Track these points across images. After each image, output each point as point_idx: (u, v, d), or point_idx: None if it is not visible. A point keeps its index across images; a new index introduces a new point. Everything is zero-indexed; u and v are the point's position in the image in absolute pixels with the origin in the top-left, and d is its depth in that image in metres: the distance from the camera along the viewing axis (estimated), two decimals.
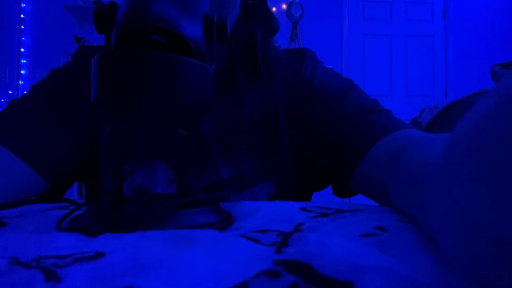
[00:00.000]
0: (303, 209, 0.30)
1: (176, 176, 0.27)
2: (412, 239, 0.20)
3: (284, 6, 3.18)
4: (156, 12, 0.26)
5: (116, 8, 0.29)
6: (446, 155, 0.14)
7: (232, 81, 0.50)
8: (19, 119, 0.46)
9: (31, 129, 0.45)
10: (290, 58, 0.53)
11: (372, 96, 0.50)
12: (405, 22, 3.34)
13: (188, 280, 0.15)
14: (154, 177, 0.46)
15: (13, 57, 3.00)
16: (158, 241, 0.20)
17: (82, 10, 2.92)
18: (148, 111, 0.26)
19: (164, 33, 0.27)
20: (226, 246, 0.20)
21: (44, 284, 0.15)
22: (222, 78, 0.49)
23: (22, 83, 3.00)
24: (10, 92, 2.99)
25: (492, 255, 0.11)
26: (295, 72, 0.52)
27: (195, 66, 0.26)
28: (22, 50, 3.01)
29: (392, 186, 0.33)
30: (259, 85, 0.50)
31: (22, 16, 3.01)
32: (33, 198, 0.43)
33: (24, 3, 3.02)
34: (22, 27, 3.01)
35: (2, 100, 2.95)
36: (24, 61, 3.02)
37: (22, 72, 3.01)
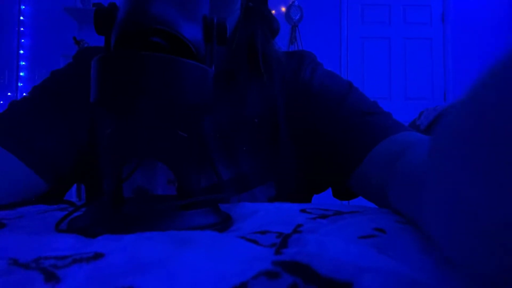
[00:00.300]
0: (303, 210, 0.30)
1: (176, 177, 0.27)
2: (411, 240, 0.20)
3: (283, 9, 3.19)
4: (156, 13, 0.26)
5: (116, 9, 0.29)
6: (432, 145, 0.14)
7: (232, 82, 0.50)
8: (20, 120, 0.46)
9: (32, 130, 0.45)
10: (290, 60, 0.54)
11: (371, 99, 0.50)
12: (404, 25, 3.35)
13: (187, 281, 0.15)
14: (154, 178, 0.46)
15: (12, 59, 3.00)
16: (158, 242, 0.20)
17: (82, 12, 2.92)
18: (147, 113, 0.27)
19: (164, 34, 0.27)
20: (226, 247, 0.20)
21: (43, 284, 0.15)
22: (223, 79, 0.49)
23: (21, 85, 3.00)
24: (9, 94, 2.99)
25: (474, 233, 0.12)
26: (294, 74, 0.52)
27: (195, 67, 0.26)
28: (22, 52, 3.01)
29: (391, 188, 0.33)
30: (259, 86, 0.50)
31: (21, 18, 3.01)
32: (33, 199, 0.43)
33: (23, 5, 3.02)
34: (22, 29, 3.01)
35: (1, 102, 2.95)
36: (24, 63, 3.02)
37: (21, 74, 3.01)
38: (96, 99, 0.26)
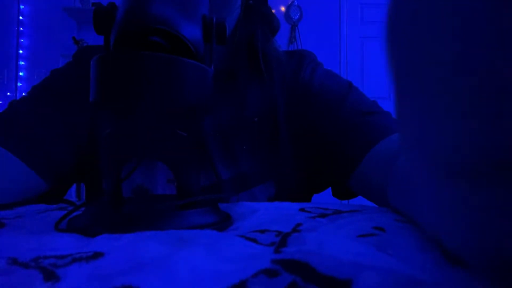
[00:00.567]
0: (302, 209, 0.30)
1: (175, 176, 0.27)
2: (410, 239, 0.20)
3: (282, 9, 3.19)
4: (155, 13, 0.26)
5: (115, 9, 0.29)
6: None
7: (232, 82, 0.50)
8: (19, 120, 0.46)
9: (31, 130, 0.45)
10: (290, 59, 0.54)
11: (370, 98, 0.50)
12: None
13: (187, 280, 0.15)
14: (154, 177, 0.46)
15: (11, 59, 2.99)
16: (157, 241, 0.20)
17: (81, 12, 2.92)
18: (147, 112, 0.27)
19: (164, 34, 0.27)
20: (225, 246, 0.20)
21: (43, 283, 0.15)
22: (223, 79, 0.49)
23: (20, 85, 2.99)
24: (8, 94, 2.99)
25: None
26: (294, 73, 0.52)
27: (194, 67, 0.26)
28: (21, 52, 3.01)
29: (390, 187, 0.33)
30: (259, 86, 0.50)
31: (20, 18, 3.01)
32: (33, 199, 0.43)
33: (22, 5, 3.02)
34: (21, 29, 3.01)
35: (1, 102, 2.95)
36: (23, 63, 3.02)
37: (21, 74, 3.01)
38: (96, 98, 0.26)
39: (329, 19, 3.28)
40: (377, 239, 0.20)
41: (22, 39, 3.02)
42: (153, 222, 0.24)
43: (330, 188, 0.53)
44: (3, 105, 2.84)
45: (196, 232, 0.22)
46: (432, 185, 0.13)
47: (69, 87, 0.49)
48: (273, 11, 0.56)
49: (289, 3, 3.21)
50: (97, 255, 0.18)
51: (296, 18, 3.20)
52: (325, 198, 0.48)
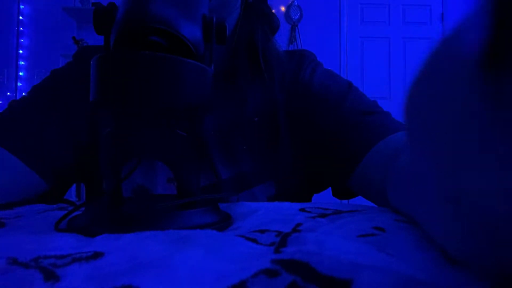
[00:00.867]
0: (302, 209, 0.30)
1: (175, 176, 0.27)
2: (410, 239, 0.20)
3: (282, 9, 3.19)
4: (155, 13, 0.26)
5: (115, 9, 0.29)
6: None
7: (232, 81, 0.50)
8: (19, 120, 0.46)
9: (31, 130, 0.45)
10: (290, 59, 0.54)
11: (370, 98, 0.50)
12: (403, 25, 3.35)
13: (187, 280, 0.15)
14: (154, 177, 0.46)
15: (11, 58, 2.99)
16: (157, 241, 0.20)
17: (81, 12, 2.92)
18: (147, 112, 0.27)
19: (163, 34, 0.27)
20: (225, 246, 0.20)
21: (43, 283, 0.15)
22: (223, 78, 0.49)
23: (20, 85, 2.99)
24: (8, 94, 2.98)
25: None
26: (294, 73, 0.52)
27: (194, 67, 0.26)
28: (21, 51, 3.01)
29: (390, 186, 0.33)
30: (260, 85, 0.50)
31: (20, 18, 3.01)
32: (33, 199, 0.43)
33: (22, 5, 3.02)
34: (21, 28, 3.01)
35: (1, 102, 2.95)
36: (23, 62, 3.02)
37: (21, 74, 3.01)
38: (96, 98, 0.26)
39: (329, 19, 3.28)
40: (377, 239, 0.20)
41: (22, 39, 3.02)
42: (153, 222, 0.24)
43: (330, 188, 0.53)
44: (3, 105, 2.84)
45: (196, 232, 0.22)
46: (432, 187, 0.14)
47: (69, 87, 0.49)
48: (273, 11, 0.56)
49: (289, 3, 3.21)
50: (97, 255, 0.18)
51: (296, 18, 3.19)
52: (325, 198, 0.48)
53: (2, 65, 2.98)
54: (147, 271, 0.16)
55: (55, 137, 0.46)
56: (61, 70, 0.52)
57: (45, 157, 0.45)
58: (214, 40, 0.30)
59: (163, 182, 0.46)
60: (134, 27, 0.26)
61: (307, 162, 0.51)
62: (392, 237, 0.20)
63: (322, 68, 0.54)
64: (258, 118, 0.50)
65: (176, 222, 0.25)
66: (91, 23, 0.29)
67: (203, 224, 0.25)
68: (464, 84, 0.11)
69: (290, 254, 0.17)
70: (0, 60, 2.98)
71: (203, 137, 0.46)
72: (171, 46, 0.27)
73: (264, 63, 0.50)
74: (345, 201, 1.30)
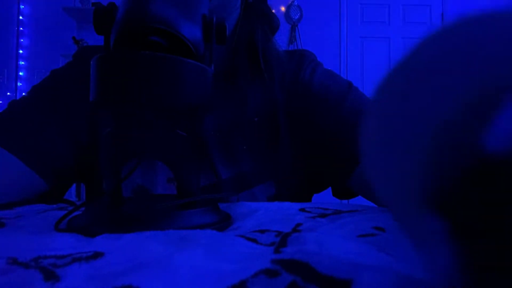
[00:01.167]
0: (302, 209, 0.30)
1: (175, 176, 0.27)
2: None
3: (282, 9, 3.19)
4: (155, 13, 0.26)
5: (115, 9, 0.29)
6: None
7: (232, 81, 0.50)
8: (19, 120, 0.46)
9: (31, 130, 0.45)
10: (290, 59, 0.54)
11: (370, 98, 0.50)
12: (403, 25, 3.35)
13: (187, 280, 0.15)
14: (154, 177, 0.46)
15: (11, 58, 2.99)
16: (157, 241, 0.20)
17: (81, 12, 2.91)
18: (147, 112, 0.27)
19: (163, 34, 0.27)
20: (225, 246, 0.20)
21: (43, 283, 0.15)
22: (223, 78, 0.49)
23: (20, 85, 2.99)
24: (8, 93, 2.98)
25: None
26: (294, 73, 0.52)
27: (194, 67, 0.26)
28: (21, 51, 3.01)
29: None
30: (260, 85, 0.50)
31: (20, 18, 3.01)
32: (33, 198, 0.43)
33: (22, 5, 3.01)
34: (21, 28, 3.01)
35: (1, 102, 2.95)
36: (23, 62, 3.02)
37: (21, 73, 3.01)
38: (96, 98, 0.26)
39: (329, 19, 3.27)
40: (377, 239, 0.20)
41: (22, 39, 3.01)
42: (153, 222, 0.24)
43: (330, 188, 0.53)
44: (3, 105, 2.84)
45: (196, 232, 0.22)
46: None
47: (69, 87, 0.49)
48: (273, 11, 0.56)
49: (289, 3, 3.21)
50: (97, 255, 0.18)
51: (296, 18, 3.19)
52: (325, 198, 0.48)
53: (2, 65, 2.98)
54: (147, 271, 0.16)
55: (55, 137, 0.46)
56: (61, 70, 0.52)
57: (45, 157, 0.45)
58: (214, 40, 0.30)
59: (163, 182, 0.46)
60: (134, 27, 0.26)
61: (307, 162, 0.51)
62: (392, 237, 0.20)
63: (322, 68, 0.54)
64: (258, 118, 0.50)
65: (176, 222, 0.25)
66: (91, 23, 0.29)
67: (203, 224, 0.25)
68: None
69: (290, 254, 0.17)
70: (0, 60, 2.98)
71: (203, 137, 0.46)
72: (171, 46, 0.27)
73: (264, 63, 0.50)
74: (345, 201, 1.29)
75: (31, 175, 0.43)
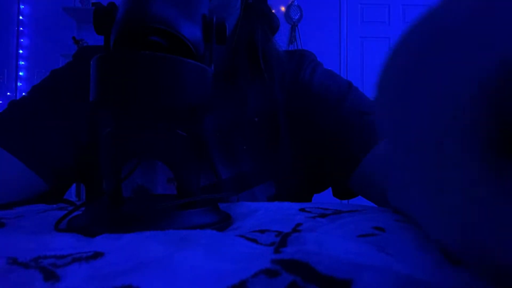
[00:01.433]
0: (302, 209, 0.30)
1: (175, 176, 0.27)
2: (411, 239, 0.20)
3: (282, 9, 3.19)
4: (155, 13, 0.26)
5: (115, 9, 0.29)
6: None
7: (233, 81, 0.50)
8: (19, 120, 0.46)
9: (31, 130, 0.45)
10: (290, 59, 0.54)
11: (371, 98, 0.50)
12: (403, 25, 3.35)
13: (186, 280, 0.15)
14: (154, 177, 0.46)
15: (11, 58, 2.99)
16: (157, 241, 0.20)
17: (81, 12, 2.91)
18: (147, 112, 0.27)
19: (163, 34, 0.27)
20: (225, 246, 0.20)
21: (43, 283, 0.15)
22: (223, 78, 0.49)
23: (20, 85, 2.99)
24: (8, 93, 2.98)
25: None
26: (294, 73, 0.52)
27: (194, 67, 0.26)
28: (21, 51, 3.01)
29: (389, 186, 0.33)
30: (260, 85, 0.50)
31: (20, 17, 3.01)
32: (33, 199, 0.43)
33: (22, 5, 3.01)
34: (21, 28, 3.01)
35: (1, 102, 2.95)
36: (23, 62, 3.02)
37: (21, 73, 3.01)
38: (95, 98, 0.26)
39: (329, 19, 3.27)
40: (377, 239, 0.20)
41: (22, 39, 3.01)
42: (153, 222, 0.24)
43: (330, 188, 0.53)
44: (3, 105, 2.84)
45: (196, 232, 0.22)
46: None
47: (69, 87, 0.49)
48: (273, 11, 0.56)
49: (289, 3, 3.21)
50: (97, 255, 0.18)
51: (296, 18, 3.19)
52: (325, 198, 0.48)
53: (2, 65, 2.98)
54: (147, 271, 0.16)
55: (55, 137, 0.46)
56: (61, 70, 0.52)
57: (45, 157, 0.45)
58: (214, 40, 0.30)
59: (163, 182, 0.46)
60: (134, 27, 0.26)
61: (307, 162, 0.51)
62: (392, 237, 0.20)
63: (322, 68, 0.54)
64: (258, 118, 0.50)
65: (176, 222, 0.25)
66: (91, 23, 0.29)
67: (203, 224, 0.25)
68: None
69: (290, 254, 0.17)
70: (0, 60, 2.98)
71: (203, 137, 0.46)
72: (171, 46, 0.27)
73: (264, 63, 0.50)
74: (345, 201, 1.30)
75: (31, 175, 0.43)
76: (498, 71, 0.10)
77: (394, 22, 3.36)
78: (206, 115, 0.44)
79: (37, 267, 0.16)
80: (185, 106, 0.26)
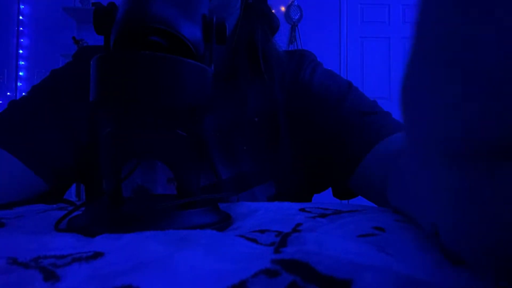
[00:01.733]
0: (302, 209, 0.30)
1: (175, 176, 0.27)
2: (410, 239, 0.20)
3: (282, 9, 3.19)
4: (155, 13, 0.26)
5: (115, 9, 0.29)
6: None
7: (232, 81, 0.50)
8: (19, 120, 0.46)
9: (31, 130, 0.45)
10: (290, 59, 0.54)
11: (371, 98, 0.50)
12: (403, 25, 3.35)
13: (187, 280, 0.15)
14: (154, 177, 0.46)
15: (11, 58, 2.99)
16: (157, 241, 0.20)
17: (81, 12, 2.92)
18: (147, 112, 0.27)
19: (163, 34, 0.27)
20: (225, 246, 0.20)
21: (43, 283, 0.15)
22: (223, 78, 0.49)
23: (20, 85, 2.99)
24: (8, 93, 2.98)
25: None
26: (294, 73, 0.52)
27: (194, 67, 0.26)
28: (21, 51, 3.01)
29: (389, 186, 0.33)
30: (260, 85, 0.50)
31: (20, 17, 3.01)
32: (33, 199, 0.43)
33: (22, 5, 3.01)
34: (21, 28, 3.01)
35: (1, 102, 2.95)
36: (23, 62, 3.02)
37: (21, 73, 3.01)
38: (95, 98, 0.26)
39: (329, 19, 3.27)
40: (377, 239, 0.20)
41: (22, 39, 3.01)
42: (153, 222, 0.24)
43: (330, 188, 0.53)
44: (3, 105, 2.84)
45: (196, 232, 0.22)
46: (429, 167, 0.14)
47: (69, 87, 0.49)
48: (273, 11, 0.56)
49: (289, 3, 3.21)
50: (97, 255, 0.18)
51: (296, 18, 3.19)
52: (325, 198, 0.48)
53: (2, 65, 2.98)
54: (147, 271, 0.16)
55: (55, 137, 0.46)
56: (61, 70, 0.52)
57: (45, 157, 0.45)
58: (214, 40, 0.30)
59: (163, 182, 0.46)
60: (134, 27, 0.26)
61: (307, 162, 0.51)
62: (392, 237, 0.20)
63: (322, 68, 0.54)
64: (258, 118, 0.50)
65: (176, 222, 0.25)
66: (91, 23, 0.29)
67: (203, 224, 0.25)
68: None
69: (290, 254, 0.17)
70: (0, 60, 2.98)
71: (203, 137, 0.46)
72: (171, 46, 0.27)
73: (264, 63, 0.50)
74: (345, 201, 1.29)
75: (31, 175, 0.43)
76: None
77: (394, 22, 3.35)
78: (206, 115, 0.44)
79: (37, 267, 0.16)
80: (185, 106, 0.26)
